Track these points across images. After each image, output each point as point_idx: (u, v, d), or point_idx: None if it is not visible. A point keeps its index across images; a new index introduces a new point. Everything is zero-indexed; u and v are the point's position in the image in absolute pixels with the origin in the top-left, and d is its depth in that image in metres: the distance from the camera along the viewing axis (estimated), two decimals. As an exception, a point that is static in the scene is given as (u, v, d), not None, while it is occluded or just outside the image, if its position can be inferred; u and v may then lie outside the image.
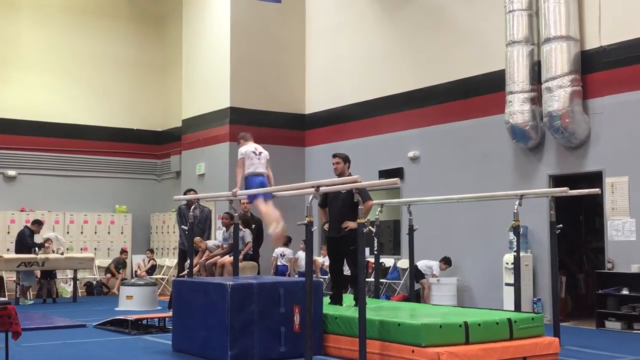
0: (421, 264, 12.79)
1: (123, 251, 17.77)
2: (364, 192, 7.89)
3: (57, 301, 15.31)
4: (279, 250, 14.17)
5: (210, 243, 11.84)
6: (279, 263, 14.36)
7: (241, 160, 8.33)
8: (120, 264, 17.46)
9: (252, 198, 8.42)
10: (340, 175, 8.33)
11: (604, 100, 11.09)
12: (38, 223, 15.40)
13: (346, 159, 8.55)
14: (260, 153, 8.41)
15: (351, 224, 8.00)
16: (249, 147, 8.43)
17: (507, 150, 12.28)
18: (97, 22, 18.75)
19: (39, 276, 15.37)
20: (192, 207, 9.73)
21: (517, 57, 11.70)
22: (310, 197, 7.09)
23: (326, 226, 8.60)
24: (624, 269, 10.68)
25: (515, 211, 8.56)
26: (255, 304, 7.10)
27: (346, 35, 15.76)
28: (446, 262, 12.74)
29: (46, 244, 15.11)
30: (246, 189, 8.46)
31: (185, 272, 10.17)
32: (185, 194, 11.88)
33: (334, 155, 8.59)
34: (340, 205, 8.22)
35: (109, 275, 17.40)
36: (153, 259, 17.93)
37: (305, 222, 6.91)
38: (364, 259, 7.06)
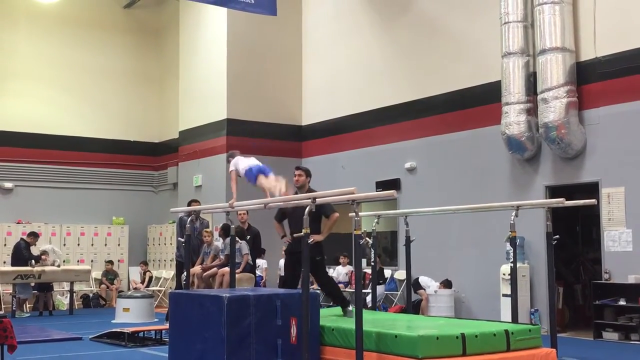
0: (422, 279, 12.80)
1: (108, 262, 17.68)
2: (327, 206, 7.89)
3: (54, 314, 15.26)
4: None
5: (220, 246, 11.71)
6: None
7: (233, 173, 8.32)
8: (110, 274, 17.45)
9: (253, 179, 8.37)
10: (300, 187, 8.40)
11: (599, 111, 11.13)
12: (34, 235, 15.36)
13: (308, 173, 8.64)
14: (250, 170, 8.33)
15: (316, 237, 7.94)
16: (240, 163, 8.41)
17: (503, 161, 12.30)
18: (95, 35, 18.80)
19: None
20: (189, 219, 9.64)
21: (512, 68, 11.75)
22: (307, 208, 7.09)
23: (285, 239, 8.54)
24: (620, 279, 10.68)
25: (511, 222, 8.56)
26: (252, 316, 7.07)
27: (342, 46, 15.82)
28: (446, 285, 12.73)
29: (42, 257, 15.07)
30: (249, 181, 8.45)
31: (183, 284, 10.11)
32: (189, 204, 11.86)
33: (297, 168, 8.73)
34: (301, 218, 8.09)
35: (103, 286, 17.37)
36: (148, 271, 17.90)
37: (303, 234, 6.90)
38: (360, 270, 7.03)
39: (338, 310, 8.52)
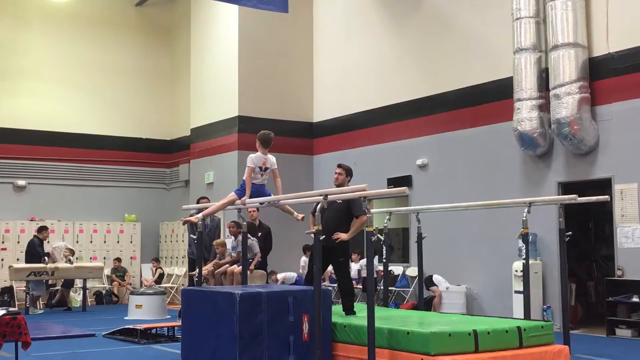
0: (436, 277, 12.78)
1: (116, 259, 17.80)
2: (359, 206, 7.83)
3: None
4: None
5: (229, 245, 11.74)
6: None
7: (250, 169, 8.12)
8: (118, 270, 17.56)
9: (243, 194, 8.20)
10: (339, 186, 8.28)
11: (612, 107, 11.07)
12: (44, 229, 15.47)
13: (349, 172, 8.51)
14: (265, 169, 8.11)
15: (342, 236, 7.97)
16: (258, 159, 8.13)
17: (516, 158, 12.25)
18: (106, 33, 18.87)
19: (58, 286, 15.64)
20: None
21: (524, 64, 11.70)
22: (319, 205, 7.09)
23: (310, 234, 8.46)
24: (634, 276, 10.63)
25: (524, 219, 8.54)
26: (264, 313, 7.09)
27: (354, 43, 15.79)
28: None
29: (54, 252, 15.25)
30: (241, 188, 8.26)
31: (195, 272, 10.06)
32: (198, 202, 11.90)
33: (339, 166, 8.57)
34: (333, 215, 8.13)
35: (115, 283, 17.49)
36: (160, 268, 17.97)
37: (314, 230, 6.91)
38: (372, 267, 7.03)
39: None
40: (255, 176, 8.07)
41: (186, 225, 10.61)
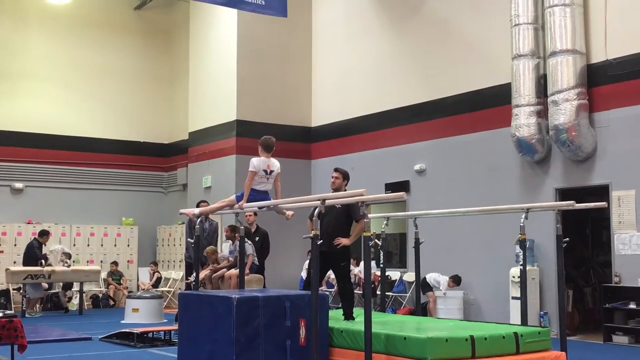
0: (430, 277, 12.76)
1: (112, 263, 17.78)
2: (358, 211, 7.78)
3: (63, 313, 15.32)
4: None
5: (226, 250, 11.74)
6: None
7: (251, 173, 8.07)
8: (115, 274, 17.54)
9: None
10: (336, 190, 8.26)
11: (610, 114, 11.09)
12: (45, 234, 15.45)
13: (346, 176, 8.46)
14: (271, 172, 8.01)
15: (344, 241, 7.96)
16: (261, 162, 8.10)
17: (514, 164, 12.27)
18: (105, 36, 18.88)
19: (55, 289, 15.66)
20: (199, 220, 9.63)
21: (523, 70, 11.72)
22: (317, 210, 7.08)
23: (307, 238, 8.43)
24: (631, 282, 10.64)
25: (521, 224, 8.53)
26: (261, 317, 7.08)
27: (353, 48, 15.81)
28: (455, 280, 12.69)
29: (50, 254, 15.28)
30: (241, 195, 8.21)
31: (192, 279, 10.06)
32: (197, 205, 11.86)
33: (336, 170, 8.55)
34: (334, 220, 8.10)
35: (112, 286, 17.46)
36: (157, 271, 17.94)
37: (311, 235, 6.90)
38: (369, 272, 7.02)
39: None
40: (260, 180, 8.01)
41: (184, 225, 10.58)
